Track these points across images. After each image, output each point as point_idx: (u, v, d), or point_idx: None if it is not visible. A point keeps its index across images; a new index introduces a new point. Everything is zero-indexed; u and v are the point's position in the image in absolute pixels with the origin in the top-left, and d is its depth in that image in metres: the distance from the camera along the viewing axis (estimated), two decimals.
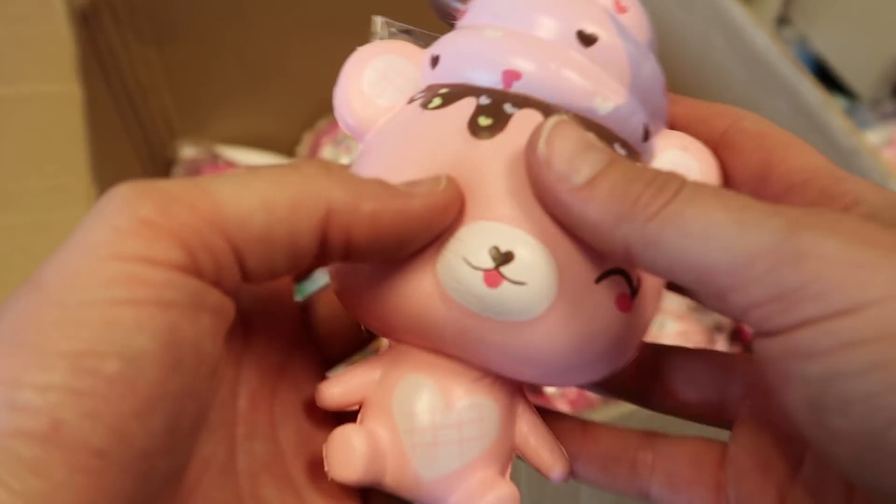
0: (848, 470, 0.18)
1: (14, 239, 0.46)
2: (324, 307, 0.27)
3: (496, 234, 0.21)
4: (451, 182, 0.21)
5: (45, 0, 0.55)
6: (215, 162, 0.72)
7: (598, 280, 0.22)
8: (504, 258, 0.21)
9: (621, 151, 0.23)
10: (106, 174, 0.52)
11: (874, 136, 0.80)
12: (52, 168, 0.49)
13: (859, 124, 0.78)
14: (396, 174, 0.22)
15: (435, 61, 0.24)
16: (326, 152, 0.73)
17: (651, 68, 0.24)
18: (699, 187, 0.19)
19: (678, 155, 0.24)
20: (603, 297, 0.22)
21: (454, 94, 0.23)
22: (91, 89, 0.53)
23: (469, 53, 0.24)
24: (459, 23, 0.25)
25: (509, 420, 0.24)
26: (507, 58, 0.23)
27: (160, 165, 0.74)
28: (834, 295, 0.17)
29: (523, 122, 0.22)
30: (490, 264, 0.21)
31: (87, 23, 0.60)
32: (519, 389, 0.24)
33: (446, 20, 0.26)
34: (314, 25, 0.71)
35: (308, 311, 0.27)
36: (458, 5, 0.25)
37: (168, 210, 0.18)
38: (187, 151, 0.73)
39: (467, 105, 0.23)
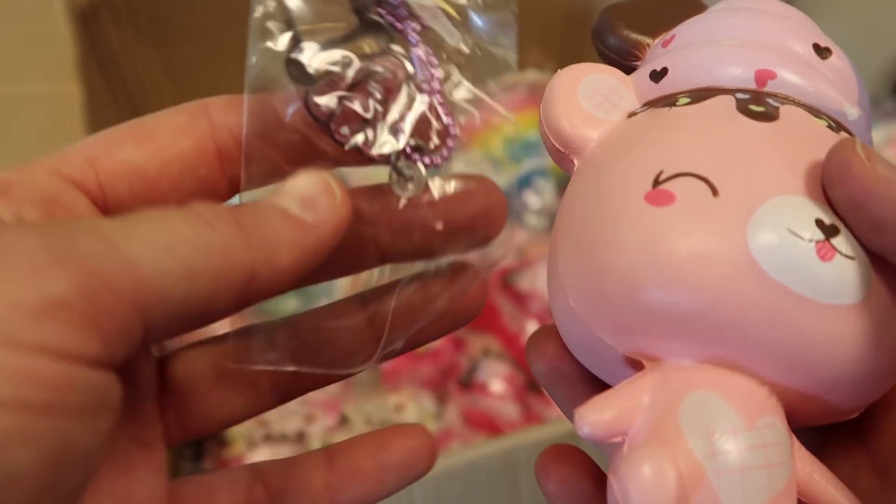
0: None
1: None
2: (187, 367, 0.23)
3: (817, 208, 0.19)
4: (343, 190, 0.20)
5: (45, 0, 0.55)
6: None
7: None
8: (831, 230, 0.19)
9: None
10: None
11: (875, 135, 0.80)
12: None
13: None
14: (673, 161, 0.20)
15: (660, 74, 0.24)
16: None
17: (866, 96, 0.24)
18: None
19: None
20: None
21: (702, 94, 0.22)
22: (91, 89, 0.53)
23: (714, 58, 0.23)
24: (649, 57, 0.25)
25: (794, 450, 0.20)
26: (760, 59, 0.23)
27: None
28: None
29: (794, 115, 0.21)
30: (820, 234, 0.19)
31: (86, 23, 0.60)
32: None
33: (625, 59, 0.25)
34: None
35: (167, 372, 0.23)
36: (645, 39, 0.25)
37: (88, 290, 0.15)
38: None
39: (725, 100, 0.22)
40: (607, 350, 0.21)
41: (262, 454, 0.59)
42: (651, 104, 0.23)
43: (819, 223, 0.19)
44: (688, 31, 0.25)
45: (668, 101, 0.23)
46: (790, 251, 0.19)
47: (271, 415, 0.62)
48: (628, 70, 0.25)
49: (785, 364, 0.20)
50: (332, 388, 0.64)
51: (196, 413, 0.23)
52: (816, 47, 0.24)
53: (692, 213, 0.20)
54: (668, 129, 0.22)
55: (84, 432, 0.15)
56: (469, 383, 0.65)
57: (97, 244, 0.16)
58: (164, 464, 0.21)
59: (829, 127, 0.22)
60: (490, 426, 0.62)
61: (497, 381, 0.63)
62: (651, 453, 0.18)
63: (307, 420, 0.62)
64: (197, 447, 0.62)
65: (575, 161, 0.23)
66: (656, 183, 0.20)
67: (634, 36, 0.25)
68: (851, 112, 0.23)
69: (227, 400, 0.23)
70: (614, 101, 0.24)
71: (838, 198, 0.20)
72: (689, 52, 0.24)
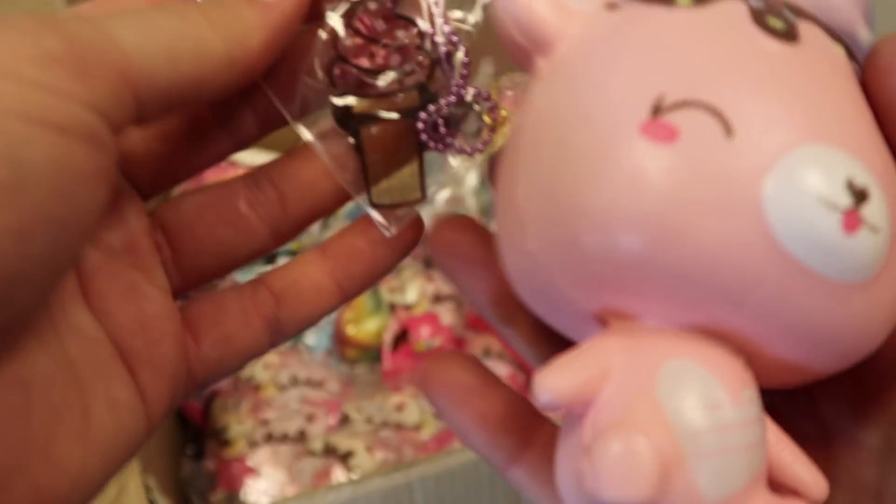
0: None
1: None
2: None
3: (845, 164, 0.16)
4: None
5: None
6: None
7: None
8: (862, 195, 0.16)
9: None
10: None
11: None
12: None
13: None
14: (679, 84, 0.17)
15: None
16: None
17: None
18: None
19: None
20: None
21: None
22: None
23: None
24: None
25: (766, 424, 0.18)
26: None
27: None
28: None
29: (815, 38, 0.18)
30: (850, 202, 0.16)
31: None
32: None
33: None
34: None
35: None
36: None
37: (77, 51, 0.16)
38: None
39: (736, 5, 0.18)
40: (570, 304, 0.18)
41: (263, 454, 0.59)
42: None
43: (850, 185, 0.16)
44: None
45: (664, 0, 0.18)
46: (812, 221, 0.16)
47: (272, 414, 0.62)
48: None
49: (779, 338, 0.17)
50: (333, 389, 0.64)
51: (190, 249, 0.23)
52: None
53: (699, 156, 0.16)
54: (670, 38, 0.18)
55: (84, 155, 0.16)
56: None
57: (83, 23, 0.17)
58: (167, 288, 0.22)
59: (848, 56, 0.19)
60: None
61: None
62: (629, 433, 0.16)
63: (308, 420, 0.62)
64: (198, 447, 0.62)
65: (540, 62, 0.19)
66: (656, 111, 0.16)
67: None
68: (864, 35, 0.20)
69: (214, 230, 0.24)
70: None
71: (882, 89, 0.18)
72: None
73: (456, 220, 0.25)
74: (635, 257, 0.16)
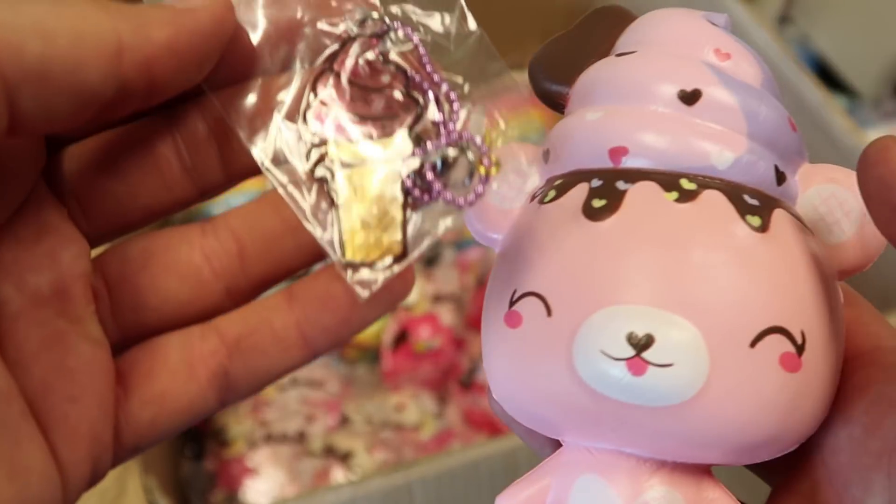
0: None
1: None
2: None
3: (630, 318, 0.20)
4: None
5: None
6: None
7: (754, 343, 0.20)
8: (644, 342, 0.20)
9: (752, 202, 0.21)
10: None
11: (875, 135, 0.79)
12: None
13: (860, 123, 0.78)
14: (525, 279, 0.21)
15: (547, 155, 0.24)
16: None
17: (769, 109, 0.23)
18: None
19: (828, 189, 0.23)
20: (763, 360, 0.20)
21: (567, 183, 0.22)
22: None
23: (574, 140, 0.23)
24: (567, 110, 0.24)
25: None
26: (610, 136, 0.22)
27: None
28: None
29: (639, 195, 0.21)
30: (630, 352, 0.20)
31: None
32: (705, 471, 0.22)
33: (555, 108, 0.25)
34: None
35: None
36: (565, 90, 0.24)
37: None
38: None
39: (580, 191, 0.22)
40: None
41: (262, 454, 0.59)
42: (542, 188, 0.23)
43: (630, 337, 0.20)
44: (573, 96, 0.24)
45: (544, 191, 0.23)
46: (605, 372, 0.20)
47: (272, 415, 0.62)
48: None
49: (660, 451, 0.21)
50: (332, 389, 0.64)
51: (130, 301, 0.21)
52: (682, 95, 0.22)
53: (532, 335, 0.21)
54: (527, 239, 0.22)
55: None
56: (470, 383, 0.65)
57: None
58: (101, 341, 0.20)
59: (679, 198, 0.21)
60: (491, 426, 0.62)
61: None
62: None
63: (308, 420, 0.62)
64: (197, 447, 0.62)
65: None
66: (511, 303, 0.21)
67: (554, 88, 0.24)
68: (721, 160, 0.22)
69: (160, 283, 0.21)
70: (521, 186, 0.24)
71: (869, 180, 0.19)
72: (562, 130, 0.23)
73: None
74: (524, 405, 0.22)
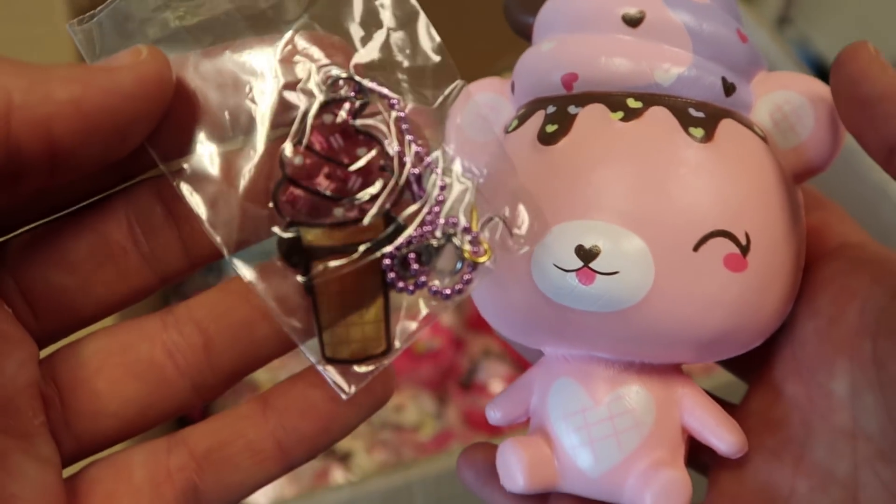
0: None
1: None
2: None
3: (577, 233, 0.22)
4: (154, 50, 0.18)
5: (46, 0, 0.55)
6: None
7: (697, 247, 0.22)
8: (590, 254, 0.22)
9: (697, 114, 0.23)
10: None
11: None
12: None
13: None
14: (495, 202, 0.22)
15: (512, 87, 0.25)
16: None
17: (715, 24, 0.23)
18: None
19: (782, 95, 0.24)
20: (707, 262, 0.22)
21: (527, 112, 0.24)
22: None
23: (531, 70, 0.24)
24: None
25: (668, 403, 0.23)
26: (561, 64, 0.24)
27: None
28: None
29: (588, 118, 0.23)
30: (579, 263, 0.22)
31: None
32: (673, 368, 0.24)
33: (523, 37, 0.26)
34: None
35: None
36: (532, 20, 0.26)
37: None
38: None
39: (537, 118, 0.23)
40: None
41: None
42: (510, 121, 0.25)
43: (579, 249, 0.22)
44: (536, 29, 0.25)
45: (510, 122, 0.25)
46: (559, 282, 0.22)
47: None
48: None
49: (624, 352, 0.23)
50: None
51: (87, 409, 0.19)
52: (626, 18, 0.23)
53: (500, 255, 0.22)
54: (495, 167, 0.23)
55: None
56: (469, 384, 0.64)
57: None
58: (52, 459, 0.18)
59: (625, 117, 0.22)
60: (490, 427, 0.62)
61: (497, 381, 0.63)
62: (508, 444, 0.23)
63: None
64: None
65: None
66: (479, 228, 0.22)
67: (524, 19, 0.26)
68: (665, 77, 0.23)
69: (119, 386, 0.19)
70: (493, 117, 0.25)
71: (839, 79, 0.21)
72: (522, 62, 0.25)
73: (475, 445, 0.26)
74: (504, 321, 0.24)
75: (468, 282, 0.19)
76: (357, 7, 0.20)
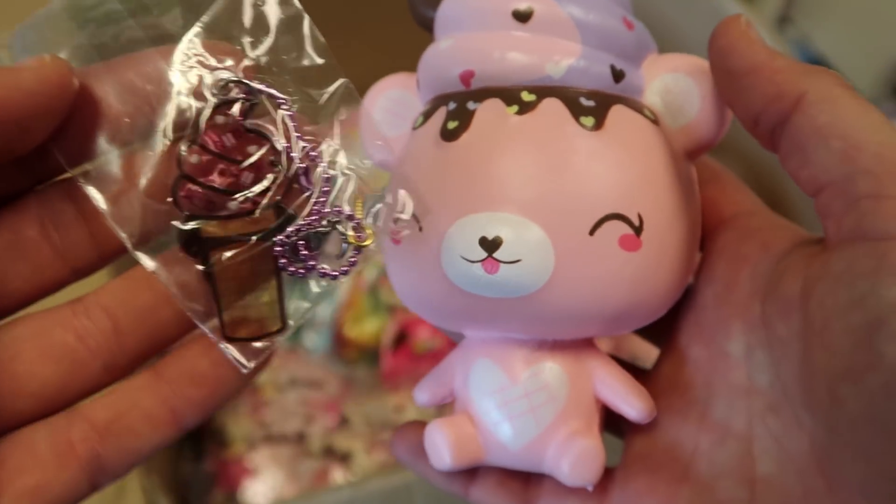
0: (864, 401, 0.19)
1: None
2: None
3: (480, 225, 0.23)
4: (57, 57, 0.20)
5: (46, 0, 0.55)
6: None
7: (593, 231, 0.23)
8: (493, 244, 0.23)
9: (588, 103, 0.24)
10: None
11: None
12: None
13: None
14: (412, 196, 0.23)
15: (418, 84, 0.26)
16: None
17: (601, 14, 0.24)
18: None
19: (671, 78, 0.25)
20: (603, 245, 0.23)
21: (431, 109, 0.25)
22: None
23: (432, 67, 0.25)
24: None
25: (581, 376, 0.25)
26: (458, 61, 0.25)
27: None
28: None
29: (486, 113, 0.24)
30: (483, 254, 0.23)
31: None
32: (587, 343, 0.26)
33: (428, 31, 0.27)
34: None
35: None
36: (434, 15, 0.26)
37: None
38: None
39: (440, 115, 0.25)
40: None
41: (262, 454, 0.59)
42: (417, 117, 0.26)
43: (483, 241, 0.23)
44: (437, 26, 0.26)
45: (416, 119, 0.26)
46: (466, 273, 0.23)
47: (271, 416, 0.62)
48: None
49: (536, 332, 0.24)
50: (332, 389, 0.64)
51: (6, 390, 0.21)
52: (516, 14, 0.24)
53: (409, 249, 0.24)
54: (402, 163, 0.25)
55: None
56: None
57: None
58: None
59: (520, 110, 0.24)
60: None
61: None
62: (434, 424, 0.25)
63: (307, 420, 0.62)
64: (197, 448, 0.62)
65: None
66: (395, 221, 0.23)
67: (428, 13, 0.26)
68: (556, 70, 0.24)
69: (36, 368, 0.21)
70: (404, 114, 0.26)
71: (713, 52, 0.23)
72: (424, 60, 0.26)
73: (409, 424, 0.28)
74: (421, 309, 0.26)
75: (353, 263, 0.21)
76: (246, 14, 0.21)
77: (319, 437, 0.61)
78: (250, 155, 0.21)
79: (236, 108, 0.21)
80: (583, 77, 0.24)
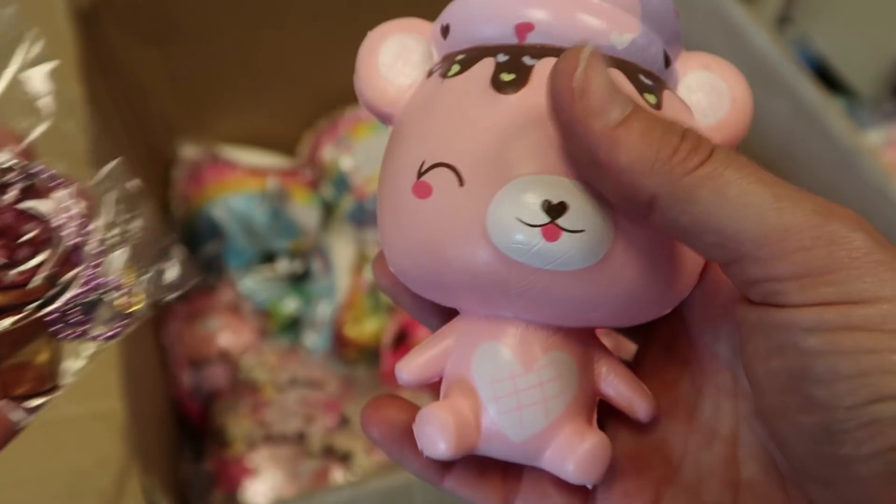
0: (802, 438, 0.19)
1: None
2: None
3: (545, 187, 0.21)
4: None
5: (46, 0, 0.55)
6: (215, 162, 0.73)
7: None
8: (558, 210, 0.21)
9: (648, 82, 0.23)
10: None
11: (874, 136, 0.79)
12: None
13: (859, 124, 0.78)
14: (434, 150, 0.22)
15: (445, 31, 0.24)
16: (327, 151, 0.73)
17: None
18: (731, 154, 0.19)
19: (703, 75, 0.25)
20: (658, 232, 0.22)
21: (471, 58, 0.23)
22: (91, 89, 0.53)
23: (478, 14, 0.23)
24: None
25: (587, 368, 0.24)
26: (516, 10, 0.23)
27: (160, 165, 0.74)
28: (855, 284, 0.18)
29: (545, 72, 0.22)
30: (546, 219, 0.21)
31: (87, 23, 0.60)
32: (592, 335, 0.24)
33: None
34: (314, 25, 0.71)
35: None
36: None
37: None
38: (187, 151, 0.73)
39: (486, 65, 0.23)
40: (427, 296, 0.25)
41: (262, 454, 0.59)
42: (440, 64, 0.24)
43: (546, 204, 0.21)
44: None
45: (446, 66, 0.24)
46: (520, 237, 0.21)
47: (271, 415, 0.62)
48: None
49: (559, 316, 0.23)
50: (332, 389, 0.64)
51: None
52: None
53: (443, 204, 0.22)
54: (434, 111, 0.23)
55: None
56: None
57: None
58: None
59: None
60: None
61: None
62: (435, 407, 0.23)
63: (307, 420, 0.62)
64: (197, 448, 0.62)
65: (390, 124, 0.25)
66: (419, 174, 0.22)
67: None
68: (620, 40, 0.23)
69: None
70: (415, 61, 0.24)
71: (558, 124, 0.21)
72: (465, 5, 0.24)
73: (385, 400, 0.25)
74: (433, 279, 0.23)
75: (125, 325, 0.24)
76: (24, 102, 0.24)
77: (319, 437, 0.61)
78: (27, 233, 0.23)
79: (14, 190, 0.23)
80: (641, 55, 0.23)
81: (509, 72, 0.22)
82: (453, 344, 0.24)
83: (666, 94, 0.23)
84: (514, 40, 0.23)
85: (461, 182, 0.22)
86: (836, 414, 0.18)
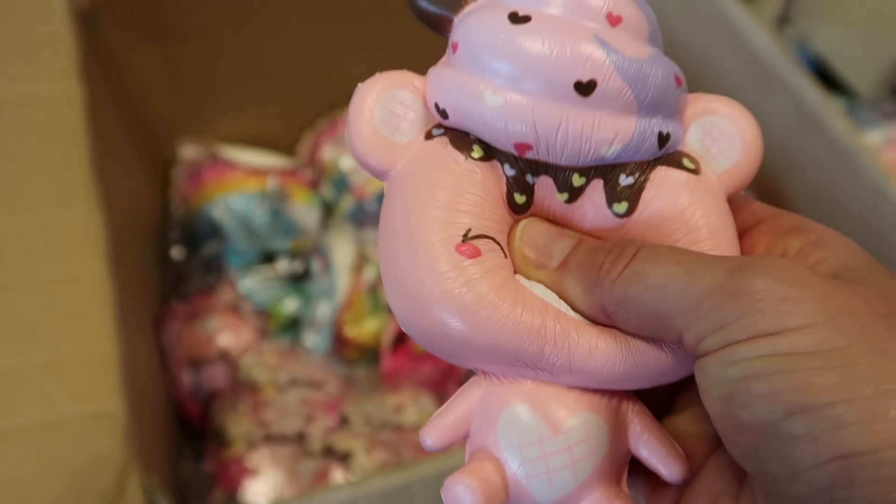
0: (745, 457, 0.21)
1: (14, 239, 0.46)
2: None
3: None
4: None
5: (46, 0, 0.55)
6: (215, 162, 0.73)
7: None
8: None
9: (626, 182, 0.24)
10: (106, 174, 0.52)
11: (874, 136, 0.79)
12: (52, 168, 0.49)
13: (859, 124, 0.78)
14: (453, 223, 0.23)
15: (444, 114, 0.24)
16: (326, 151, 0.73)
17: (657, 77, 0.23)
18: (653, 248, 0.22)
19: (711, 121, 0.25)
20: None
21: (488, 153, 0.24)
22: (91, 89, 0.53)
23: (478, 121, 0.23)
24: (451, 39, 0.24)
25: (618, 427, 0.24)
26: (514, 131, 0.23)
27: (160, 165, 0.74)
28: (761, 322, 0.20)
29: (541, 191, 0.24)
30: None
31: (87, 23, 0.60)
32: (626, 392, 0.24)
33: (434, 30, 0.25)
34: (314, 25, 0.71)
35: None
36: (444, 13, 0.24)
37: None
38: (187, 151, 0.73)
39: (499, 173, 0.24)
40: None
41: (262, 454, 0.59)
42: (440, 129, 0.24)
43: None
44: (461, 44, 0.24)
45: (464, 144, 0.24)
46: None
47: (271, 415, 0.62)
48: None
49: (574, 380, 0.23)
50: (332, 389, 0.64)
51: None
52: (578, 86, 0.22)
53: (494, 267, 0.23)
54: (467, 188, 0.24)
55: None
56: None
57: None
58: None
59: (569, 199, 0.24)
60: None
61: None
62: (460, 475, 0.23)
63: (307, 420, 0.62)
64: (197, 448, 0.62)
65: (385, 182, 0.25)
66: (466, 238, 0.23)
67: (433, 10, 0.24)
68: (610, 151, 0.23)
69: None
70: (411, 118, 0.24)
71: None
72: (461, 102, 0.23)
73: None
74: (467, 344, 0.23)
75: None
76: None
77: (319, 437, 0.61)
78: None
79: None
80: (631, 153, 0.24)
81: (521, 193, 0.24)
82: (476, 404, 0.24)
83: (653, 176, 0.24)
84: (514, 152, 0.24)
85: (505, 255, 0.24)
86: (760, 430, 0.20)
